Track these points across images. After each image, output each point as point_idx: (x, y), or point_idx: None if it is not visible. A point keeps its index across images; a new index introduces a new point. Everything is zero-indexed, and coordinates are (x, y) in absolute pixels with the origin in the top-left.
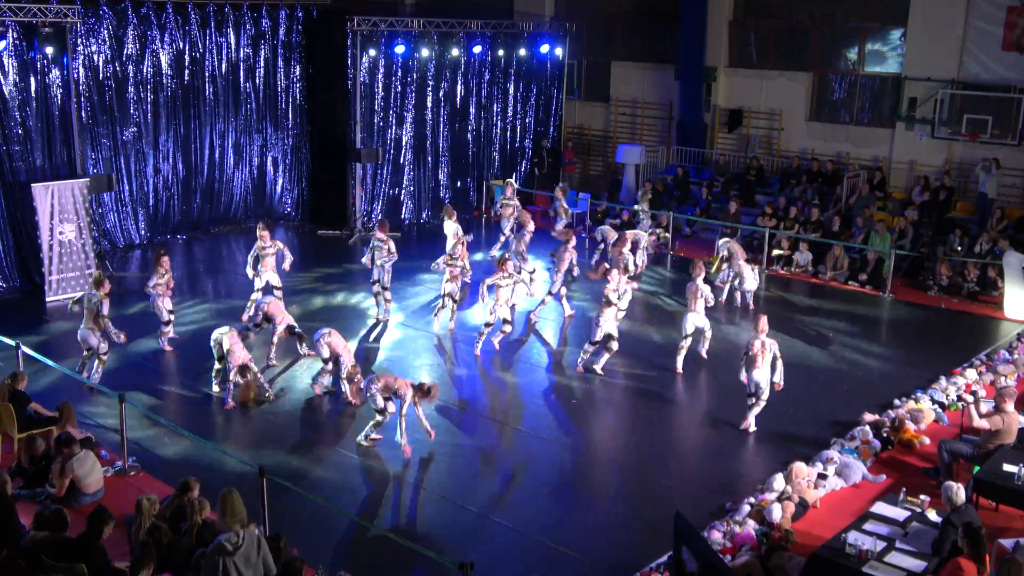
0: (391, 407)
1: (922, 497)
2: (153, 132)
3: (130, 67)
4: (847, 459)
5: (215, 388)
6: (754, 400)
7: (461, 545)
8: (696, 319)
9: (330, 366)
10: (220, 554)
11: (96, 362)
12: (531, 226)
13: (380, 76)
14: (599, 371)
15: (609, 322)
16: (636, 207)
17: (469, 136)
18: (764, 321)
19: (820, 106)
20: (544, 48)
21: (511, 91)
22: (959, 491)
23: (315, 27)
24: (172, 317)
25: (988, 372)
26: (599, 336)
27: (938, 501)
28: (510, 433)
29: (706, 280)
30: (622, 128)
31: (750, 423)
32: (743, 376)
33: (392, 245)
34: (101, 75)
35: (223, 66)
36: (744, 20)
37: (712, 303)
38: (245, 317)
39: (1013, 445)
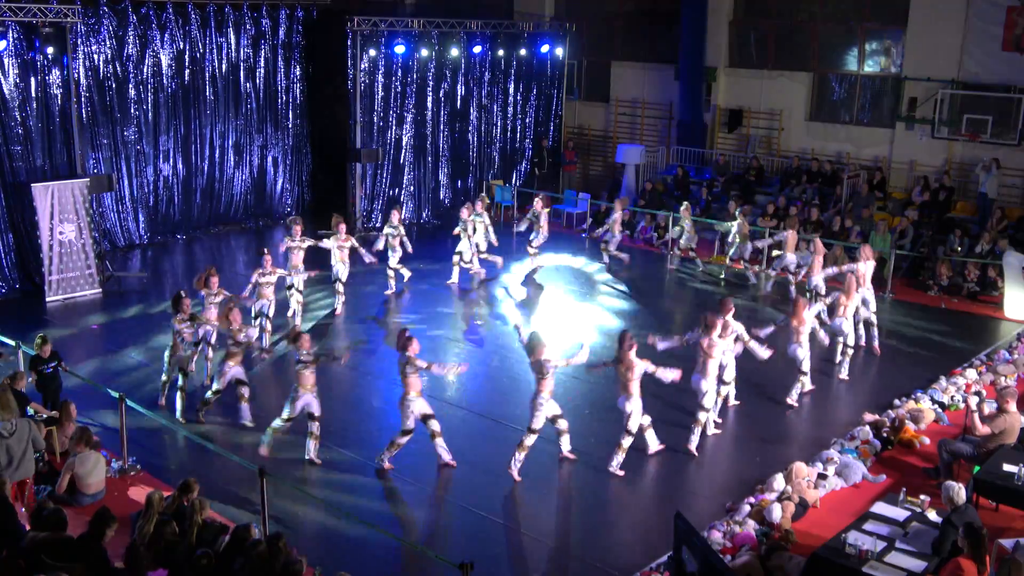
0: None
1: (922, 497)
2: (153, 132)
3: (130, 67)
4: (847, 459)
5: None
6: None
7: (461, 545)
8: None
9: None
10: None
11: (312, 441)
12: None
13: (380, 76)
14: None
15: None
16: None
17: (469, 136)
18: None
19: (820, 106)
20: (544, 48)
21: (511, 91)
22: (959, 491)
23: (315, 27)
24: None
25: (988, 372)
26: (805, 366)
27: (938, 501)
28: (509, 433)
29: None
30: (622, 128)
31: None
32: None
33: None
34: (101, 75)
35: (223, 66)
36: (744, 20)
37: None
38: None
39: (1013, 445)
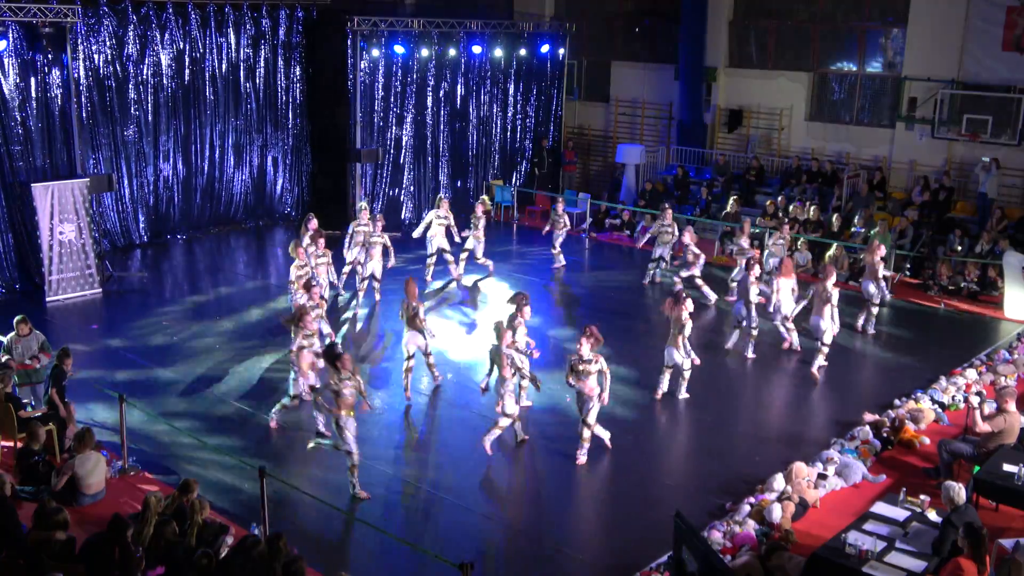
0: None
1: (922, 497)
2: (153, 132)
3: (130, 67)
4: (847, 459)
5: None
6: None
7: (461, 545)
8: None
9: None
10: None
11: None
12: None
13: (380, 76)
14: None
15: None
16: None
17: (469, 136)
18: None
19: (820, 106)
20: (544, 48)
21: (511, 91)
22: (959, 491)
23: (315, 27)
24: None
25: (988, 372)
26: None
27: (938, 501)
28: (509, 434)
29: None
30: (622, 128)
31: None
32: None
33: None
34: (101, 75)
35: (223, 66)
36: (744, 20)
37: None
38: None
39: (1013, 445)
